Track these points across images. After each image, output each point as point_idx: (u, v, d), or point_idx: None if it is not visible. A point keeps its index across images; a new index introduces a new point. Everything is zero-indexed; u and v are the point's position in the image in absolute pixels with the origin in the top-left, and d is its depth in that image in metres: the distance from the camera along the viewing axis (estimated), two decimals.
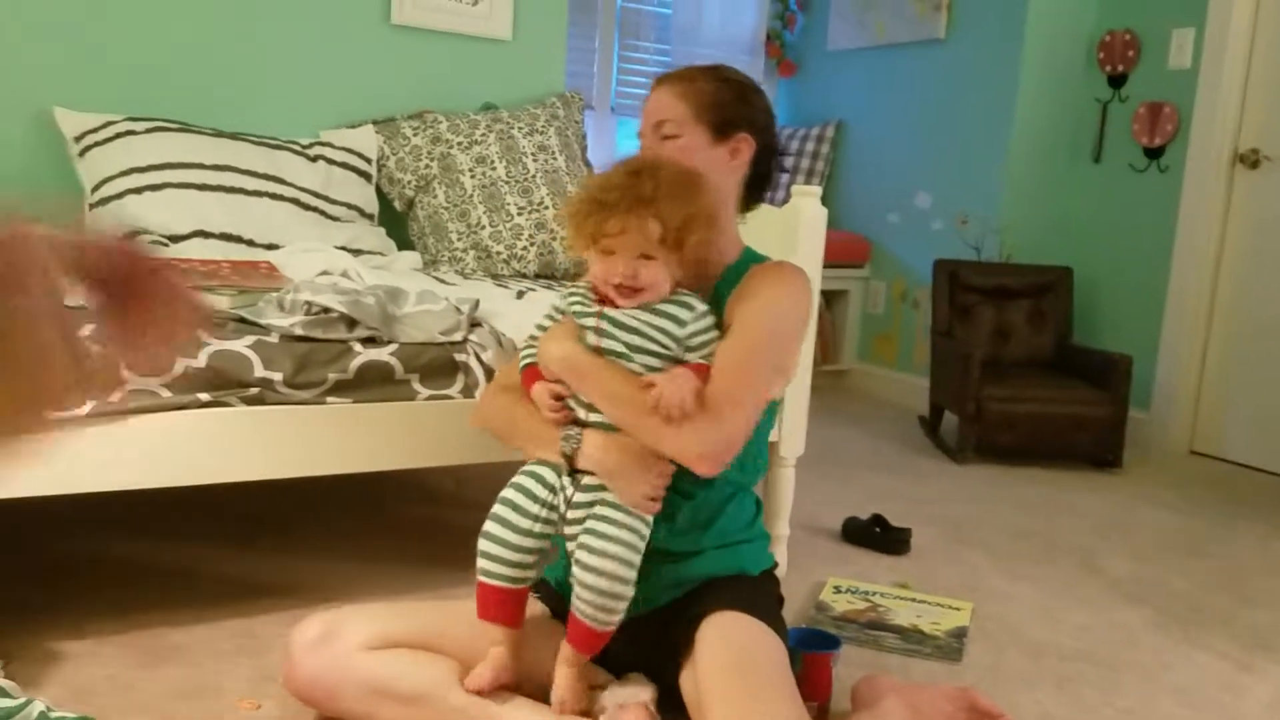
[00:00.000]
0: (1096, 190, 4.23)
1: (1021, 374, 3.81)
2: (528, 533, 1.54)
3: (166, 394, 1.75)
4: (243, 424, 1.83)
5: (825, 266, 2.39)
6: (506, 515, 1.55)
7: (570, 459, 1.54)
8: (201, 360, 1.77)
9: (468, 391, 2.04)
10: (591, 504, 1.54)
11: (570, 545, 1.56)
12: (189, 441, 1.79)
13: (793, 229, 2.26)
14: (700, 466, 1.49)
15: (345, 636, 1.56)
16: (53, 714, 1.41)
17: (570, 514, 1.55)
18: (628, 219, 1.48)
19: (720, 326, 1.60)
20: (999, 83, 4.24)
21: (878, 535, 2.69)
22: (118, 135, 2.61)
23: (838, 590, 2.34)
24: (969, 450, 3.65)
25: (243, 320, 1.86)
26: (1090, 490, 3.40)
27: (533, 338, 1.64)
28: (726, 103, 1.69)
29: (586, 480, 1.55)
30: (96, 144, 2.60)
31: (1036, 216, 4.30)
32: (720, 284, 1.67)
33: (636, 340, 1.53)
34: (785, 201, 2.36)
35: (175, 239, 2.48)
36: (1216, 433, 3.93)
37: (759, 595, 1.67)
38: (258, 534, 2.48)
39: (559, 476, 1.56)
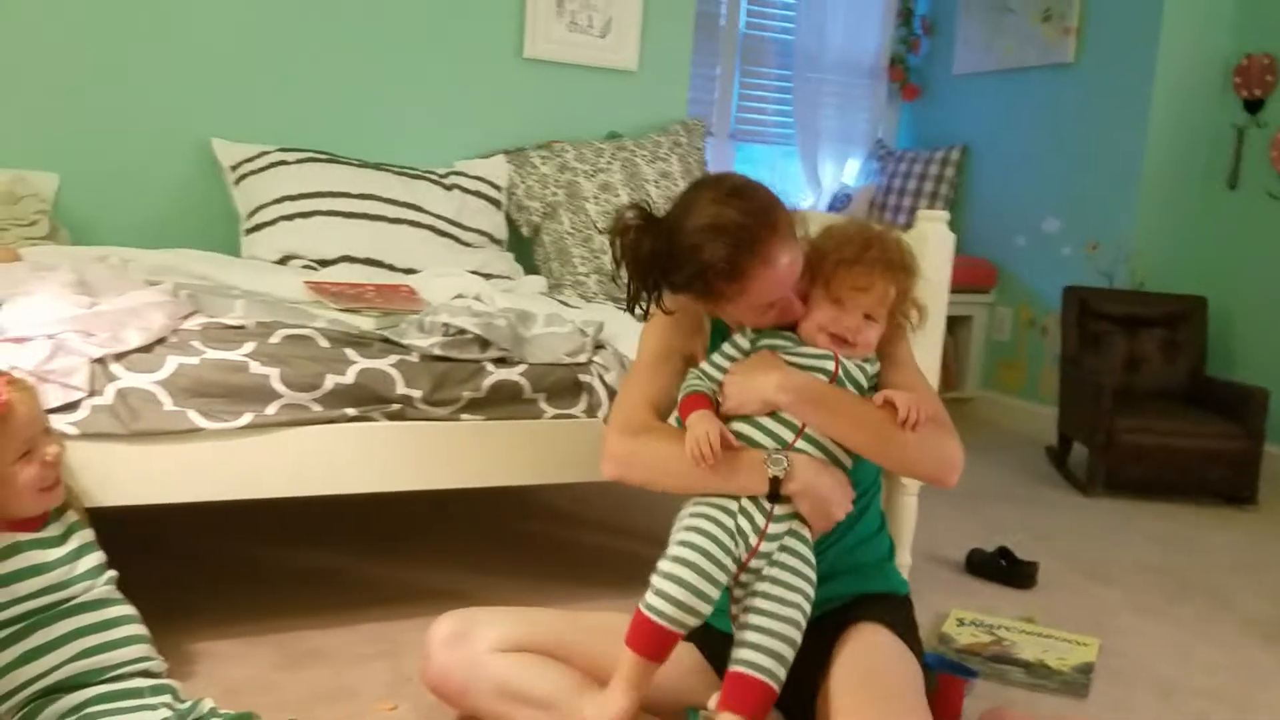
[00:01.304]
0: (1232, 218, 4.09)
1: (1154, 405, 3.70)
2: (723, 571, 1.47)
3: (317, 408, 1.86)
4: (385, 438, 1.93)
5: (950, 291, 2.38)
6: (710, 549, 1.47)
7: (776, 484, 1.49)
8: (350, 377, 1.87)
9: (591, 411, 2.10)
10: (784, 534, 1.51)
11: (747, 576, 1.50)
12: (335, 453, 1.90)
13: (919, 253, 2.25)
14: (953, 476, 1.57)
15: (477, 637, 1.62)
16: (220, 712, 1.51)
17: (764, 546, 1.49)
18: (874, 277, 1.52)
19: None
20: (1130, 107, 4.15)
21: (1003, 568, 2.65)
22: (271, 165, 2.77)
23: (961, 623, 2.31)
24: (1099, 483, 3.56)
25: (387, 340, 1.96)
26: (1223, 527, 3.28)
27: (702, 373, 1.60)
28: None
29: (779, 510, 1.51)
30: (251, 173, 2.77)
31: (1170, 244, 4.18)
32: None
33: (854, 389, 1.57)
34: (909, 226, 2.37)
35: (324, 263, 2.62)
36: None
37: (900, 614, 1.67)
38: (392, 543, 2.59)
39: (747, 505, 1.51)
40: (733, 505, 1.51)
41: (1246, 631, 2.39)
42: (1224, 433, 3.50)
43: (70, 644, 1.49)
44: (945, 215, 2.30)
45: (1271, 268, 3.95)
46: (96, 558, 1.59)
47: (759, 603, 1.47)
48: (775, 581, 1.48)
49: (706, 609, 1.46)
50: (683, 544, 1.47)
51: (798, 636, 1.47)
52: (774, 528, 1.50)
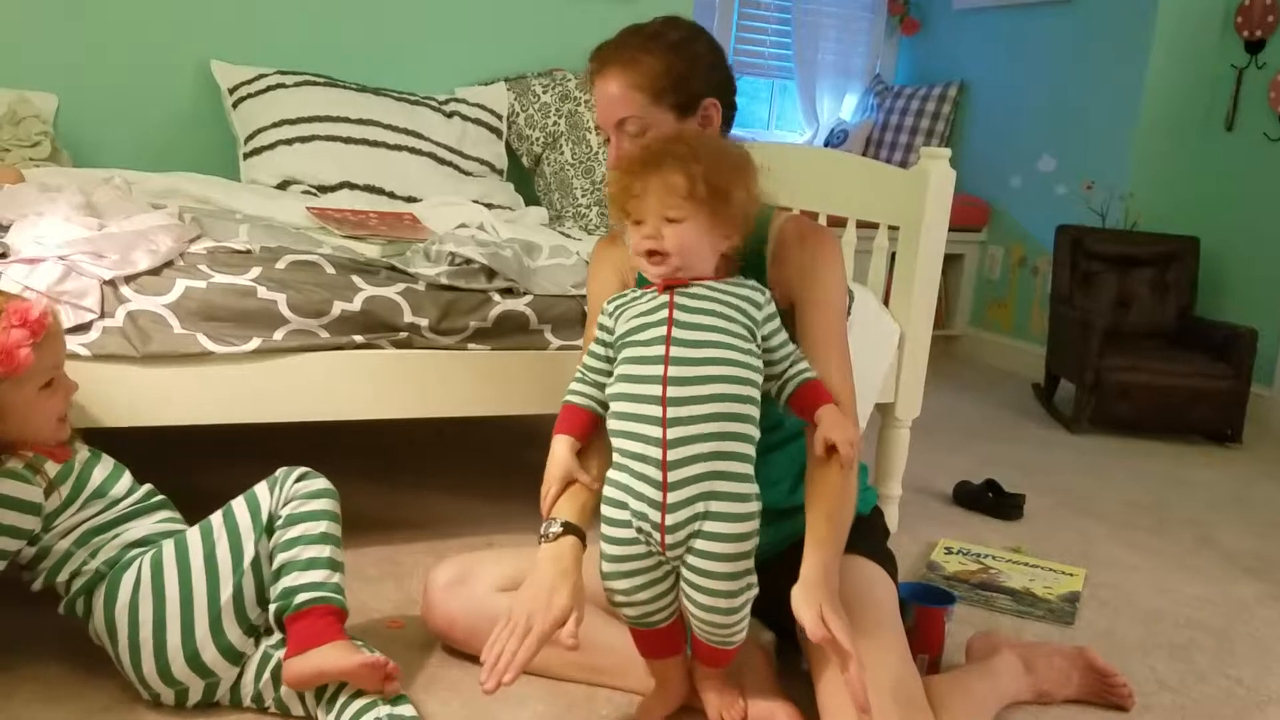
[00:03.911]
0: (1227, 159, 4.10)
1: (1142, 344, 3.75)
2: (649, 572, 1.43)
3: (324, 335, 1.88)
4: (392, 365, 1.95)
5: None
6: (622, 574, 1.43)
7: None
8: (357, 305, 1.89)
9: None
10: (689, 520, 1.39)
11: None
12: (343, 380, 1.92)
13: (919, 193, 2.28)
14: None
15: (478, 579, 1.67)
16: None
17: (669, 538, 1.41)
18: (649, 178, 1.38)
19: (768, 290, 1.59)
20: (1130, 46, 4.13)
21: (990, 500, 2.71)
22: (269, 88, 2.75)
23: (949, 551, 2.37)
24: (1085, 420, 3.62)
25: (393, 269, 1.97)
26: (1208, 464, 3.35)
27: (584, 369, 1.52)
28: (681, 76, 1.56)
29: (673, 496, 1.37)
30: (249, 95, 2.75)
31: (1164, 184, 4.20)
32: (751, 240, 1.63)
33: (711, 320, 1.40)
34: (905, 163, 2.37)
35: (324, 189, 2.61)
36: None
37: (869, 534, 1.72)
38: (396, 470, 2.62)
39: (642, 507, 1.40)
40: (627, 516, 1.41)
41: (1229, 565, 2.46)
42: (1211, 372, 3.55)
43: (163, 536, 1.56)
44: (947, 153, 2.31)
45: (1265, 209, 3.97)
46: None
47: (692, 582, 1.40)
48: (695, 568, 1.40)
49: (661, 605, 1.45)
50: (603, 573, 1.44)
51: (745, 597, 1.42)
52: (672, 518, 1.37)
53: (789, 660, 1.68)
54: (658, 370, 1.38)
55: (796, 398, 1.45)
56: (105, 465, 1.56)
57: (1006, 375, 4.44)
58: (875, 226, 2.46)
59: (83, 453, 1.56)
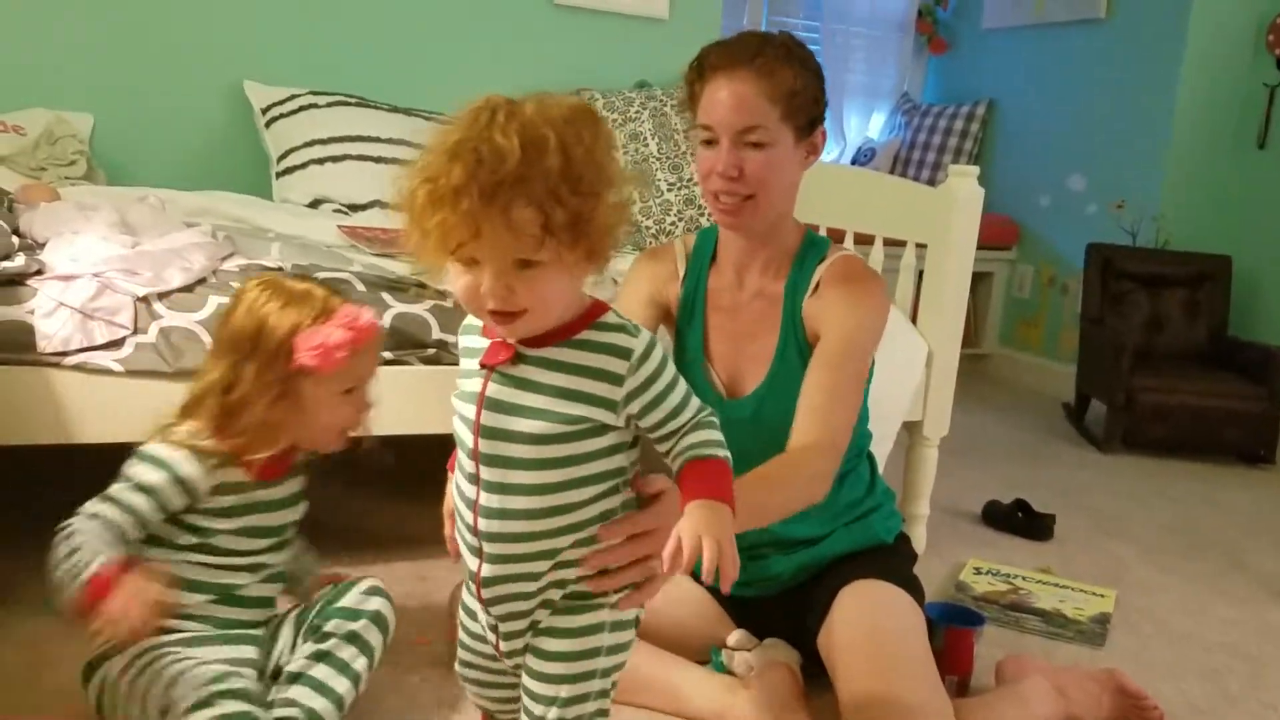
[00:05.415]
0: (1260, 178, 4.06)
1: (1174, 365, 3.71)
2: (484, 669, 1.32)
3: None
4: (421, 381, 1.96)
5: None
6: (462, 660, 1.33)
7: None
8: (386, 321, 1.90)
9: None
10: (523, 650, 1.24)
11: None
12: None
13: (946, 210, 2.28)
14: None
15: None
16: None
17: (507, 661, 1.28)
18: (483, 214, 0.96)
19: (798, 331, 1.58)
20: (1161, 64, 4.11)
21: (1020, 520, 2.68)
22: (301, 108, 2.79)
23: (978, 572, 2.35)
24: (1116, 440, 3.58)
25: (422, 286, 1.98)
26: (1241, 486, 3.31)
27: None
28: (812, 98, 1.51)
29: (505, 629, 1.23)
30: (282, 116, 2.79)
31: (1196, 203, 4.16)
32: (791, 276, 1.63)
33: (529, 426, 1.08)
34: (933, 182, 2.37)
35: (355, 208, 2.64)
36: None
37: (894, 561, 1.71)
38: (421, 485, 2.62)
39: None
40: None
41: (1261, 588, 2.43)
42: (1243, 393, 3.51)
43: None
44: (975, 170, 2.30)
45: None
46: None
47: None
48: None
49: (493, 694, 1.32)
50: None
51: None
52: (506, 645, 1.22)
53: (815, 681, 1.67)
54: (471, 469, 1.16)
55: (680, 480, 1.11)
56: (258, 518, 1.50)
57: (1037, 395, 4.41)
58: (903, 244, 2.45)
59: (283, 490, 1.53)
